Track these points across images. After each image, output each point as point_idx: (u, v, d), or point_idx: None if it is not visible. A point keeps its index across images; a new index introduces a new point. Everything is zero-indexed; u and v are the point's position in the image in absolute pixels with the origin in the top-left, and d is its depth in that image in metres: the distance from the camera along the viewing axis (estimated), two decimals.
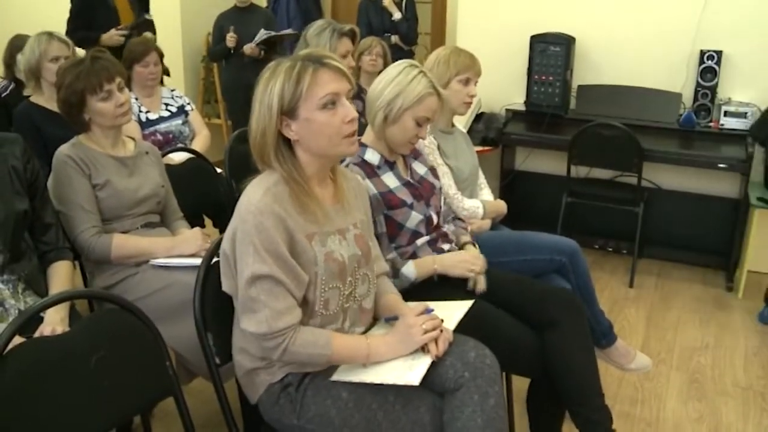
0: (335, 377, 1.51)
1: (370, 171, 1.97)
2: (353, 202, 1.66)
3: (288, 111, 1.47)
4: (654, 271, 3.85)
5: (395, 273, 1.94)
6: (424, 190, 2.06)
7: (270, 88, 1.47)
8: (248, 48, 4.35)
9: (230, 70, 4.65)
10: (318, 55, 1.50)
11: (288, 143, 1.52)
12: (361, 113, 3.12)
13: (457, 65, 2.43)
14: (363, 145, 2.01)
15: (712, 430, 2.44)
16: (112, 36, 3.87)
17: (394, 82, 1.95)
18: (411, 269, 1.96)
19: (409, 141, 2.00)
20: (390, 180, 1.99)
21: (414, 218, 1.99)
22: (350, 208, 1.64)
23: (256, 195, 1.46)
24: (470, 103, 2.50)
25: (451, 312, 1.68)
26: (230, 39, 4.39)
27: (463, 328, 1.62)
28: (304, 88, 1.45)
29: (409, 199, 1.98)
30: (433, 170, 2.17)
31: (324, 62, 1.48)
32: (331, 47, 2.78)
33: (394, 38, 4.91)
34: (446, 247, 2.09)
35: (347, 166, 1.94)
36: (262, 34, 4.33)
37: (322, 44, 2.77)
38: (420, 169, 2.13)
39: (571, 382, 1.89)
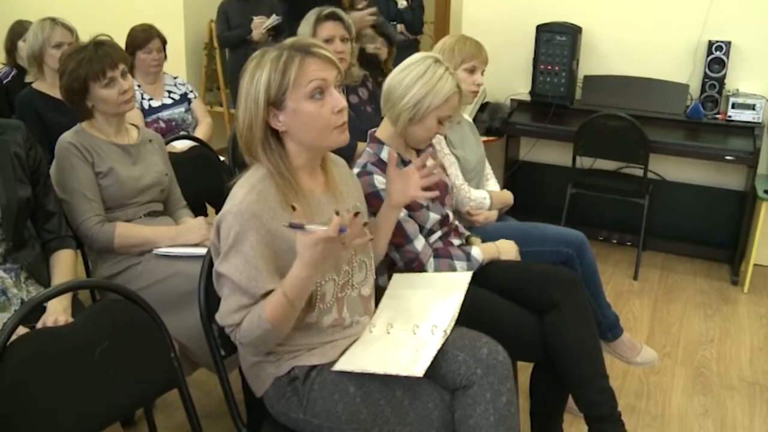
0: (337, 367, 1.50)
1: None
2: (345, 189, 1.65)
3: (275, 102, 1.44)
4: (658, 264, 3.82)
5: (467, 255, 1.98)
6: (438, 190, 2.03)
7: (256, 80, 1.44)
8: (257, 34, 4.32)
9: (237, 57, 4.59)
10: (305, 44, 1.47)
11: (276, 135, 1.49)
12: (366, 101, 3.09)
13: (463, 53, 2.41)
14: (379, 143, 1.97)
15: (718, 425, 2.43)
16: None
17: (422, 80, 1.88)
18: (478, 252, 2.00)
19: (429, 138, 1.98)
20: None
21: (432, 219, 1.98)
22: (342, 195, 1.62)
23: (239, 195, 1.45)
24: (476, 91, 2.48)
25: (452, 285, 1.68)
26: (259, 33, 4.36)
27: (461, 316, 1.59)
28: (291, 78, 1.42)
29: (424, 201, 1.96)
30: (442, 167, 2.15)
31: (311, 51, 1.45)
32: (312, 33, 2.72)
33: (400, 27, 4.86)
34: (456, 241, 2.07)
35: (365, 166, 1.91)
36: (274, 19, 4.30)
37: (306, 31, 2.72)
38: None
39: (573, 363, 1.84)
